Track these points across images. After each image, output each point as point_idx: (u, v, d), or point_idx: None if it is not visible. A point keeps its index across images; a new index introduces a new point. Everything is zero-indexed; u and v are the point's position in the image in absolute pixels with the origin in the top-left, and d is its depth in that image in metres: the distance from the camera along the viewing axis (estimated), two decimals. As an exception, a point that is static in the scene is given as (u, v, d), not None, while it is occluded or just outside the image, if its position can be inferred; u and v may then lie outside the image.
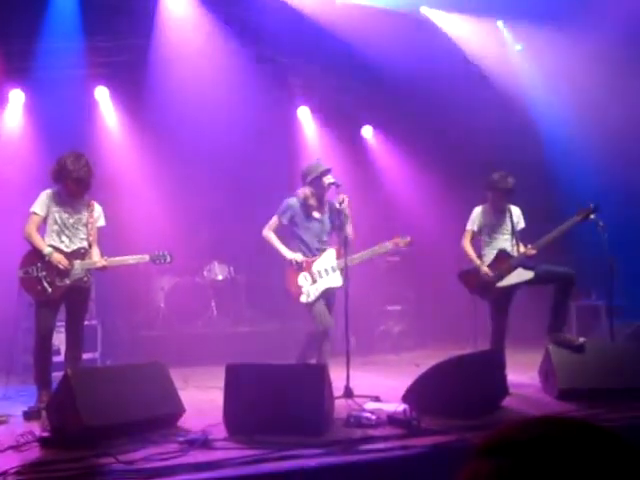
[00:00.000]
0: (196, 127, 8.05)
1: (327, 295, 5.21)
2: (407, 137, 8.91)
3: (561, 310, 5.27)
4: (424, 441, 3.72)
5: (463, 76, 8.36)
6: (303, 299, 5.09)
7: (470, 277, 5.43)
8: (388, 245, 5.44)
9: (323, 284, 5.15)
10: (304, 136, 9.17)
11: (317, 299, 5.11)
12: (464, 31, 8.38)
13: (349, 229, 5.23)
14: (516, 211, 5.57)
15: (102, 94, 8.05)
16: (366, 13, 7.76)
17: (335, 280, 5.19)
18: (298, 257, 5.17)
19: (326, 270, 5.19)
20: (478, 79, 8.39)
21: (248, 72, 8.00)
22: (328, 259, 5.22)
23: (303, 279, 5.14)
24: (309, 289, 5.11)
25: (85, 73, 7.52)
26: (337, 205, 5.19)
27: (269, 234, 5.33)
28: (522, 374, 5.56)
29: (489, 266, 5.37)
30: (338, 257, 5.24)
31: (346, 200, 5.19)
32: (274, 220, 5.34)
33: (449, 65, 8.18)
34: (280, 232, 5.41)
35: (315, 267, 5.18)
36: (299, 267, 5.15)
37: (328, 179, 5.25)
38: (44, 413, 4.17)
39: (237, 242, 8.47)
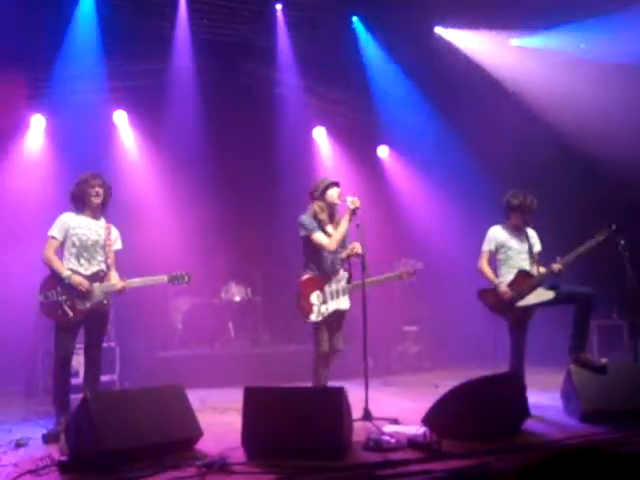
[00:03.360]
0: (213, 149, 8.13)
1: (335, 317, 5.14)
2: (422, 156, 8.91)
3: (582, 330, 5.19)
4: (445, 465, 3.66)
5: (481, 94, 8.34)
6: (312, 317, 5.03)
7: (490, 296, 5.39)
8: (397, 273, 5.42)
9: (333, 305, 5.10)
10: (320, 156, 9.22)
11: (324, 320, 5.06)
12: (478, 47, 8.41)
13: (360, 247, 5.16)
14: (532, 233, 5.56)
15: (121, 117, 8.17)
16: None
17: (343, 303, 5.15)
18: None
19: (337, 291, 5.14)
20: (498, 97, 8.37)
21: (264, 93, 8.07)
22: (340, 281, 5.18)
23: (315, 297, 5.10)
24: (320, 308, 5.07)
25: (104, 97, 7.65)
26: (348, 204, 5.06)
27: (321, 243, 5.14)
28: (543, 395, 5.47)
29: (509, 285, 5.33)
30: (349, 281, 5.18)
31: (357, 201, 5.05)
32: (318, 237, 5.12)
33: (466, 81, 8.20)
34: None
35: (327, 287, 5.15)
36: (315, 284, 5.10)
37: (334, 192, 5.20)
38: (63, 436, 4.17)
39: (254, 263, 8.50)
